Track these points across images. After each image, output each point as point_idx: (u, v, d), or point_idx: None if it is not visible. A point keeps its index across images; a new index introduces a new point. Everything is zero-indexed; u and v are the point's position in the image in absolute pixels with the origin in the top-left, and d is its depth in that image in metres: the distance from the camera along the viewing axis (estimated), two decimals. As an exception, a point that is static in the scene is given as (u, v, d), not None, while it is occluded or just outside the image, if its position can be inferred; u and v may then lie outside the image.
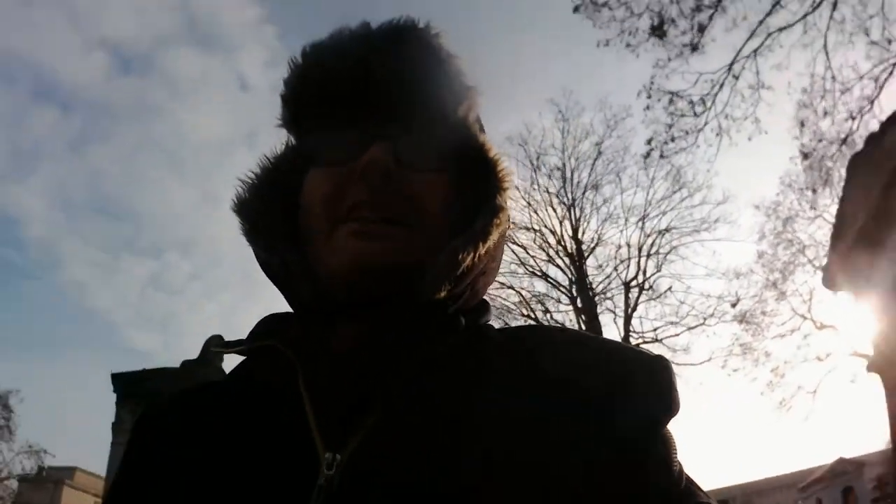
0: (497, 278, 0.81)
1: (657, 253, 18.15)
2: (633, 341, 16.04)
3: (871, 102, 11.04)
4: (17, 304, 55.24)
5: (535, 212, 18.39)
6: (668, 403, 0.64)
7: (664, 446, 0.63)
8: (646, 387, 0.63)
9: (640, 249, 18.17)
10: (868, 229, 8.81)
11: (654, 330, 17.70)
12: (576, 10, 11.63)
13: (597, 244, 18.58)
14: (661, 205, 18.33)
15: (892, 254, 8.79)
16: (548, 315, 17.89)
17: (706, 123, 12.04)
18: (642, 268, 18.06)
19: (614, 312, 17.95)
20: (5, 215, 52.02)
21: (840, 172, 10.98)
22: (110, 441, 8.70)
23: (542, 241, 18.45)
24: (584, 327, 16.02)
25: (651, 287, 18.06)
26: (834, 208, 11.49)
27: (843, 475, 24.19)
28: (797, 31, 11.08)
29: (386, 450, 0.58)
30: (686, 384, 16.61)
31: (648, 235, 18.25)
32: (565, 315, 17.94)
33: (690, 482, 0.64)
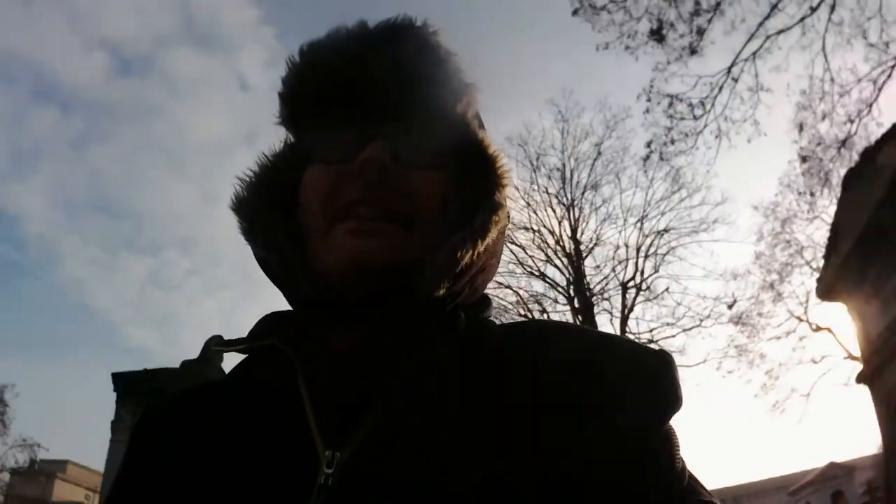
0: (494, 277, 0.81)
1: (655, 254, 18.16)
2: (628, 343, 15.97)
3: (870, 106, 11.04)
4: (16, 302, 55.39)
5: (534, 212, 18.39)
6: (670, 399, 0.64)
7: (667, 442, 0.63)
8: (648, 382, 0.63)
9: (638, 250, 18.17)
10: (861, 243, 8.85)
11: (651, 331, 17.72)
12: (574, 13, 11.63)
13: (595, 244, 18.58)
14: (660, 205, 18.31)
15: (883, 268, 8.83)
16: (545, 315, 17.89)
17: (705, 126, 12.07)
18: (640, 268, 18.07)
19: (611, 313, 17.97)
20: (5, 214, 52.03)
21: (839, 173, 11.02)
22: (109, 438, 8.77)
23: (540, 240, 18.45)
24: (580, 328, 15.93)
25: (648, 288, 18.08)
26: (832, 209, 11.59)
27: (833, 479, 24.26)
28: (795, 33, 11.11)
29: (386, 449, 0.58)
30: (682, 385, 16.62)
31: (647, 236, 18.26)
32: (562, 315, 17.92)
33: (693, 479, 0.64)
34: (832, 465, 25.20)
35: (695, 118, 12.05)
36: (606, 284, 18.24)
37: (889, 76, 10.69)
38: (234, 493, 0.60)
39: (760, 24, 11.00)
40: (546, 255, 18.48)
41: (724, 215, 18.41)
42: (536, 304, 18.31)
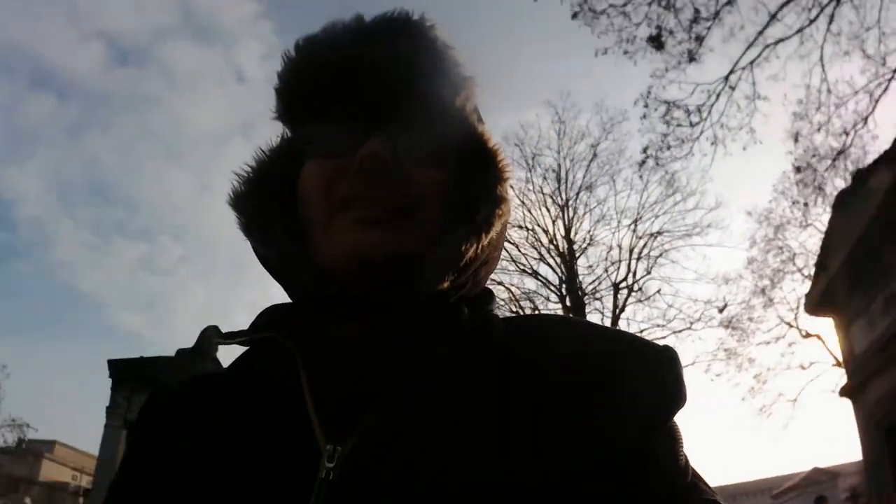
0: (489, 273, 0.82)
1: (648, 256, 18.21)
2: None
3: (865, 119, 11.05)
4: (6, 285, 55.17)
5: (529, 210, 18.42)
6: (675, 396, 0.64)
7: (671, 439, 0.63)
8: (654, 380, 0.63)
9: (630, 251, 18.22)
10: (850, 262, 8.93)
11: (641, 332, 17.69)
12: (574, 16, 11.55)
13: (588, 245, 18.62)
14: (654, 208, 18.36)
15: (869, 288, 8.92)
16: (536, 312, 17.91)
17: (702, 133, 12.04)
18: (632, 270, 18.12)
19: (602, 313, 18.00)
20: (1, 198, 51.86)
21: (833, 183, 11.07)
22: (104, 424, 8.98)
23: (534, 239, 18.48)
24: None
25: (640, 289, 18.13)
26: (826, 218, 11.64)
27: (817, 484, 24.39)
28: (794, 42, 11.05)
29: (387, 444, 0.59)
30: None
31: (640, 238, 18.30)
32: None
33: (696, 476, 0.64)
34: (816, 471, 25.30)
35: (691, 125, 12.04)
36: (598, 284, 18.31)
37: (886, 89, 10.70)
38: (235, 487, 0.60)
39: (759, 34, 10.98)
40: (539, 253, 18.53)
41: (718, 220, 18.61)
42: (528, 302, 18.36)
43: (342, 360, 0.63)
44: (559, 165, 19.01)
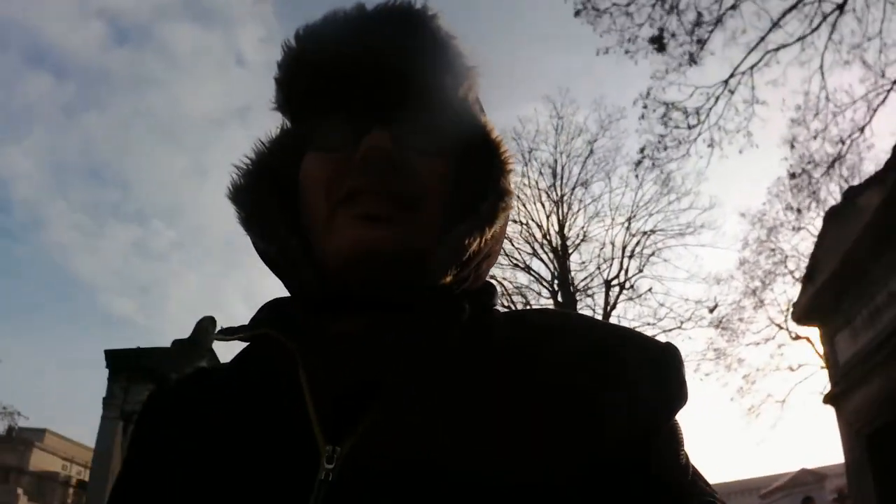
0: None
1: (640, 254, 18.22)
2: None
3: (862, 129, 11.05)
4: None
5: (523, 205, 18.34)
6: (677, 394, 0.63)
7: (672, 438, 0.62)
8: (657, 378, 0.62)
9: (623, 249, 18.22)
10: (837, 277, 9.01)
11: (631, 330, 17.80)
12: (577, 14, 11.50)
13: (582, 241, 18.60)
14: (649, 207, 18.36)
15: (854, 302, 8.98)
16: (528, 307, 17.91)
17: (699, 135, 12.04)
18: (625, 267, 18.13)
19: (593, 310, 17.99)
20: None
21: (828, 189, 11.06)
22: (101, 415, 9.00)
23: (527, 234, 18.43)
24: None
25: (632, 287, 18.15)
26: (818, 222, 11.66)
27: (804, 485, 24.53)
28: (795, 48, 11.05)
29: (386, 444, 0.58)
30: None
31: (633, 236, 18.30)
32: (545, 309, 17.96)
33: (697, 475, 0.64)
34: (804, 472, 25.47)
35: (689, 127, 12.00)
36: (591, 281, 18.30)
37: (884, 100, 10.68)
38: (235, 488, 0.59)
39: (761, 39, 10.93)
40: (532, 248, 18.50)
41: (711, 220, 18.65)
42: (520, 297, 18.36)
43: (342, 359, 0.62)
44: (555, 161, 18.99)
